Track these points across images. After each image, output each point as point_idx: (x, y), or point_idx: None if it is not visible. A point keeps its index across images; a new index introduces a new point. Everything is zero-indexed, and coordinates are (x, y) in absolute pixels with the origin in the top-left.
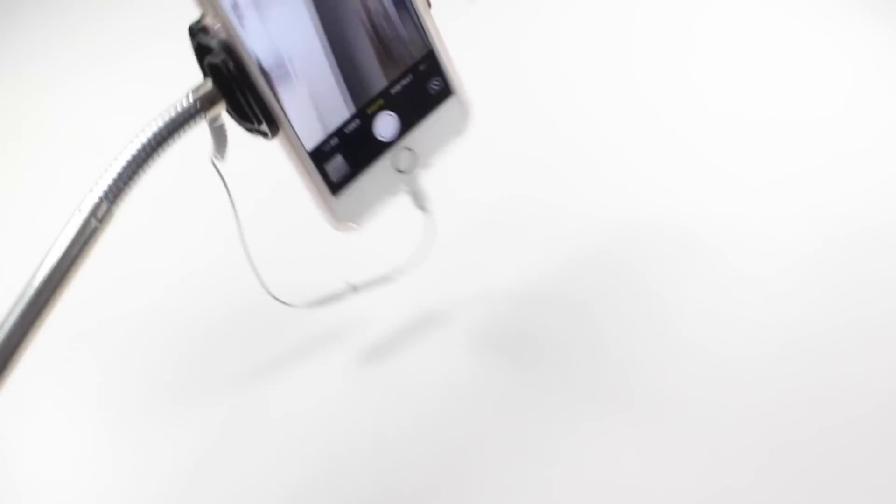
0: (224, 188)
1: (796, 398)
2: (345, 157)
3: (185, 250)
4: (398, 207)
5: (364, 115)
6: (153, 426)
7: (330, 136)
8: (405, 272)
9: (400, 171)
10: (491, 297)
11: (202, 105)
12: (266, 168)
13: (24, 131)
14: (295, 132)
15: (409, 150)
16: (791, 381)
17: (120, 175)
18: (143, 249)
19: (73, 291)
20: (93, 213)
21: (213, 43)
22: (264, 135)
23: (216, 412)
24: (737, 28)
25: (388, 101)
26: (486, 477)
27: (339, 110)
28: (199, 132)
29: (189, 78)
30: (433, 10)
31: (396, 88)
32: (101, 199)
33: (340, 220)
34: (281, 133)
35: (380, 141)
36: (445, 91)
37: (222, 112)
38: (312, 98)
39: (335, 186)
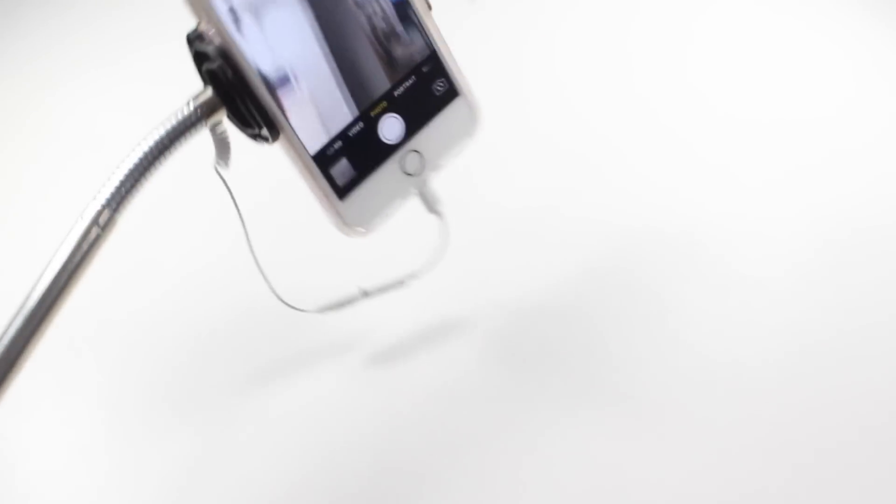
0: (229, 195)
1: (797, 400)
2: (350, 161)
3: (192, 252)
4: (410, 211)
5: (367, 118)
6: (154, 428)
7: (333, 140)
8: (418, 277)
9: (409, 175)
10: (498, 303)
11: (202, 113)
12: (272, 171)
13: (24, 131)
14: (297, 136)
15: (417, 152)
16: (792, 384)
17: (122, 183)
18: (148, 251)
19: (75, 292)
20: (95, 221)
21: (210, 49)
22: (266, 140)
23: (217, 414)
24: (737, 29)
25: (391, 103)
26: (494, 477)
27: (342, 113)
28: (204, 136)
29: (189, 78)
30: (435, 13)
31: (399, 90)
32: (103, 207)
33: (349, 224)
34: (282, 137)
35: (385, 144)
36: (451, 92)
37: (223, 119)
38: (313, 101)
39: (342, 190)
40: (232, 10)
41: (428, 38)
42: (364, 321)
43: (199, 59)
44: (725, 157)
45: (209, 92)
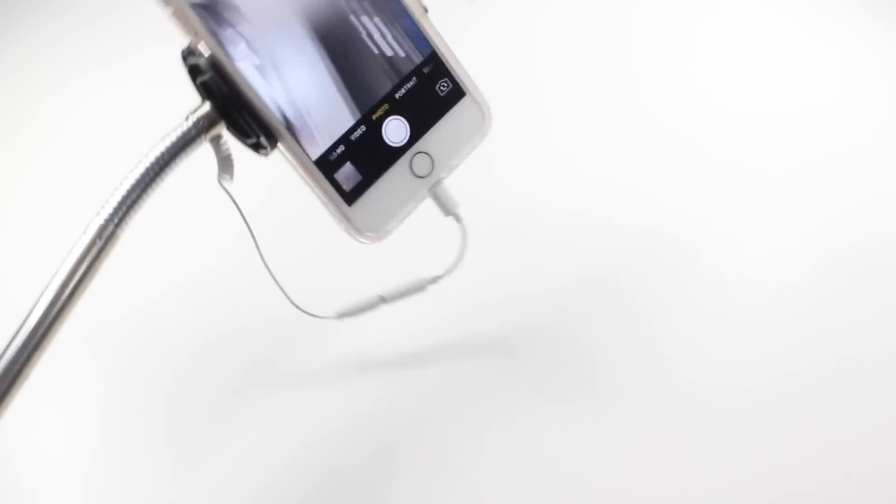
0: (236, 208)
1: (796, 401)
2: (355, 166)
3: (196, 256)
4: (425, 213)
5: (370, 122)
6: (153, 430)
7: (335, 145)
8: (438, 282)
9: (419, 177)
10: (501, 301)
11: (202, 127)
12: (277, 177)
13: (23, 131)
14: (296, 142)
15: (426, 154)
16: (789, 384)
17: (124, 199)
18: (152, 254)
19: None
20: (98, 235)
21: (201, 62)
22: (265, 149)
23: (218, 416)
24: (738, 28)
25: (393, 105)
26: (496, 476)
27: (342, 117)
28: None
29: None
30: (436, 13)
31: (401, 92)
32: (106, 222)
33: (360, 230)
34: (282, 145)
35: (391, 146)
36: (456, 92)
37: (223, 132)
38: (311, 106)
39: (349, 196)
40: (219, 21)
41: (426, 40)
42: (366, 323)
43: (194, 73)
44: (726, 154)
45: (206, 106)
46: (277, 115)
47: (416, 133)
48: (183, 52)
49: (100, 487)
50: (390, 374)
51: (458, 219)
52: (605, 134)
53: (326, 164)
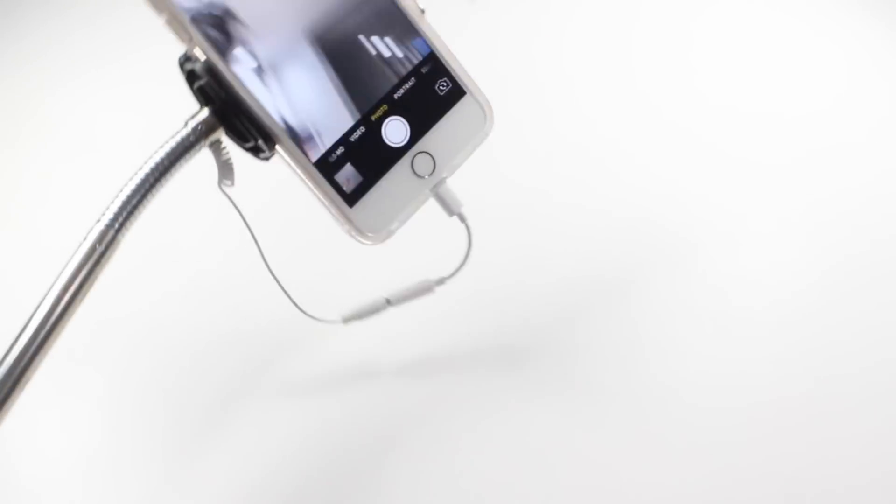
0: (238, 212)
1: (794, 402)
2: (355, 167)
3: (201, 260)
4: (428, 213)
5: (369, 122)
6: (153, 432)
7: (334, 146)
8: (444, 283)
9: (421, 177)
10: (496, 297)
11: (201, 132)
12: (279, 179)
13: (23, 131)
14: (295, 144)
15: (427, 154)
16: (787, 386)
17: (124, 205)
18: (155, 257)
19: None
20: (99, 241)
21: (198, 67)
22: (264, 152)
23: (219, 419)
24: (737, 26)
25: (392, 106)
26: (499, 478)
27: (341, 119)
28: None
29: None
30: (437, 13)
31: (400, 93)
32: (106, 228)
33: (362, 231)
34: (281, 148)
35: (391, 147)
36: (456, 92)
37: (222, 137)
38: (309, 108)
39: (350, 197)
40: (214, 26)
41: (424, 40)
42: (368, 325)
43: (191, 79)
44: (726, 152)
45: (205, 111)
46: (275, 118)
47: (417, 133)
48: (180, 58)
49: (99, 487)
50: (390, 374)
51: (462, 219)
52: (606, 133)
53: (326, 166)
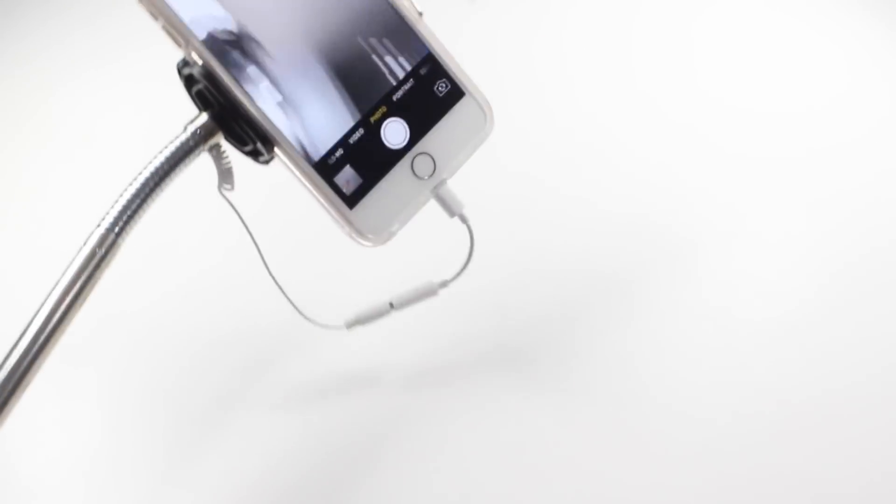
0: (238, 217)
1: (795, 409)
2: (355, 168)
3: (202, 263)
4: (428, 214)
5: (368, 124)
6: (153, 433)
7: (333, 148)
8: (447, 286)
9: (421, 179)
10: (493, 292)
11: (200, 137)
12: (279, 182)
13: (24, 131)
14: (294, 147)
15: (427, 155)
16: (784, 387)
17: (124, 209)
18: (157, 258)
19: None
20: (99, 245)
21: (195, 71)
22: (263, 155)
23: (219, 421)
24: (738, 26)
25: (391, 107)
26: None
27: (340, 121)
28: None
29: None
30: (437, 13)
31: (398, 94)
32: (107, 232)
33: (362, 233)
34: (280, 150)
35: (391, 149)
36: (455, 93)
37: (221, 141)
38: (307, 110)
39: (350, 199)
40: (211, 30)
41: (422, 42)
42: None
43: (189, 83)
44: (727, 152)
45: (203, 116)
46: (274, 121)
47: (416, 134)
48: (178, 63)
49: (99, 487)
50: (389, 374)
51: (463, 220)
52: (607, 133)
53: (326, 168)
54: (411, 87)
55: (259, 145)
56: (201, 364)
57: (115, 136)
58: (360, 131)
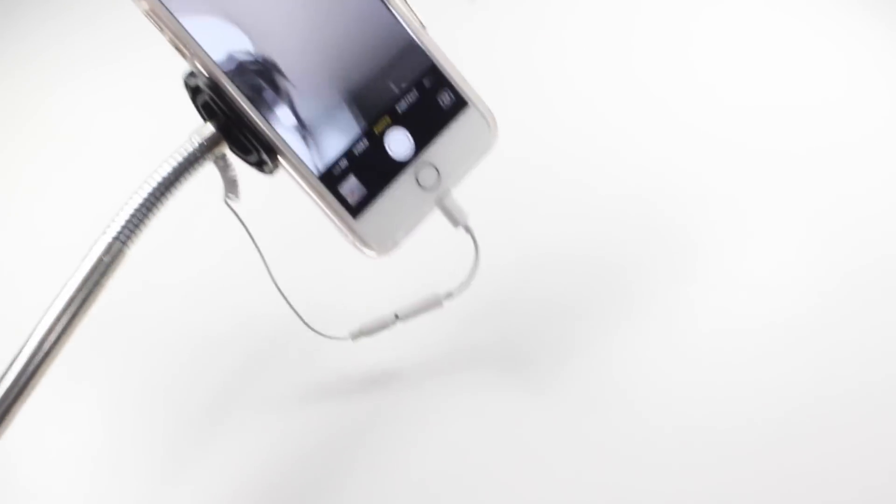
0: (243, 227)
1: (790, 399)
2: (359, 179)
3: (205, 266)
4: (434, 224)
5: (371, 135)
6: (152, 433)
7: (338, 159)
8: (454, 296)
9: (425, 189)
10: (510, 304)
11: (205, 147)
12: (284, 190)
13: (23, 131)
14: (299, 158)
15: (431, 165)
16: (781, 386)
17: (131, 217)
18: (159, 259)
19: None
20: (105, 252)
21: (201, 82)
22: (267, 165)
23: (218, 423)
24: (738, 25)
25: (395, 118)
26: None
27: (344, 131)
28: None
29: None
30: (436, 13)
31: (402, 105)
32: (113, 240)
33: (366, 242)
34: (284, 162)
35: (395, 159)
36: (459, 103)
37: (227, 152)
38: (311, 122)
39: (355, 209)
40: (216, 40)
41: (425, 53)
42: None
43: (194, 94)
44: (727, 149)
45: (209, 126)
46: (279, 132)
47: (420, 145)
48: (184, 74)
49: (99, 487)
50: (389, 375)
51: (468, 230)
52: (608, 132)
53: (330, 179)
54: (415, 99)
55: (264, 156)
56: (205, 369)
57: (116, 135)
58: (365, 142)
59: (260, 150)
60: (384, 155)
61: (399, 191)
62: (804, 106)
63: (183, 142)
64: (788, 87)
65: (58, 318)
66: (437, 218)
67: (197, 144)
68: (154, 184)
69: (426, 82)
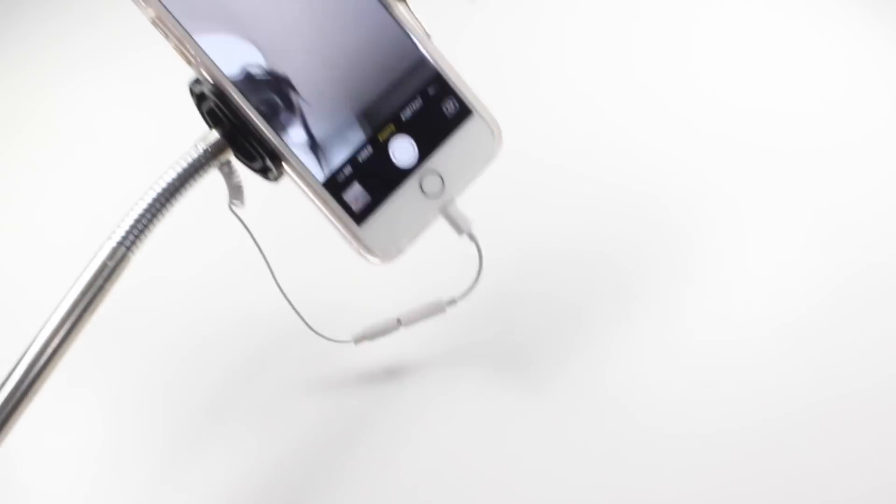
0: (248, 233)
1: (789, 402)
2: (363, 186)
3: (208, 271)
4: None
5: (376, 142)
6: (154, 433)
7: (342, 166)
8: (456, 303)
9: (429, 197)
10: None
11: (210, 154)
12: (289, 196)
13: (24, 131)
14: (303, 164)
15: (436, 173)
16: (778, 386)
17: (135, 223)
18: (161, 260)
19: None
20: (110, 257)
21: (206, 89)
22: (272, 171)
23: (219, 423)
24: (738, 25)
25: (399, 126)
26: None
27: (348, 139)
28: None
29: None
30: (436, 13)
31: (406, 113)
32: (118, 245)
33: (370, 249)
34: (289, 168)
35: (398, 167)
36: (463, 112)
37: (231, 158)
38: (316, 129)
39: (359, 216)
40: (222, 48)
41: (429, 62)
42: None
43: (200, 101)
44: (723, 146)
45: (214, 133)
46: (283, 139)
47: (424, 153)
48: (189, 81)
49: (98, 487)
50: (389, 375)
51: (472, 238)
52: (609, 132)
53: (334, 186)
54: (419, 107)
55: (268, 163)
56: (206, 369)
57: (116, 135)
58: (369, 149)
59: (265, 157)
60: (388, 162)
61: (403, 198)
62: (804, 106)
63: (188, 148)
64: (788, 86)
65: (61, 323)
66: (441, 223)
67: (202, 151)
68: (159, 190)
69: (431, 91)
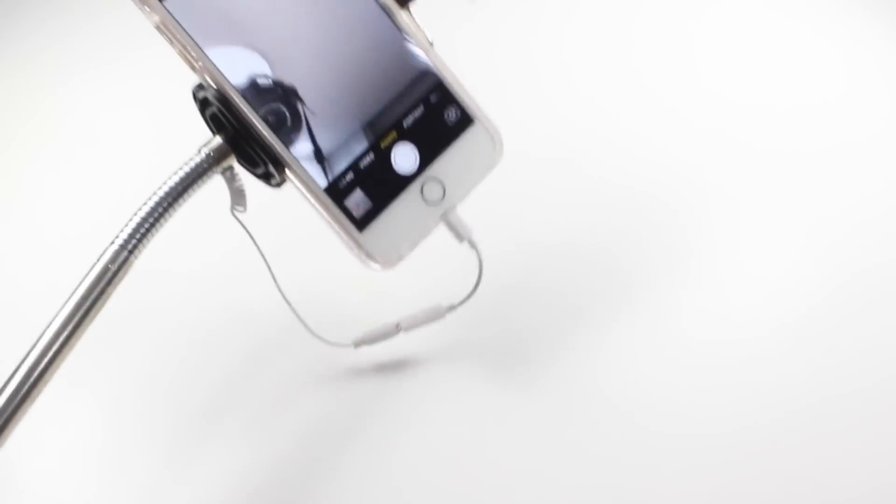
0: (250, 238)
1: (787, 403)
2: (365, 192)
3: (210, 273)
4: (444, 241)
5: (378, 149)
6: (152, 432)
7: (344, 172)
8: (455, 309)
9: (430, 204)
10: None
11: (213, 159)
12: (291, 201)
13: (24, 131)
14: (305, 170)
15: (437, 181)
16: (777, 384)
17: (138, 227)
18: (163, 261)
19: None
20: (112, 261)
21: (210, 95)
22: (274, 177)
23: (218, 424)
24: (738, 25)
25: (401, 133)
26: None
27: (351, 145)
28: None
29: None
30: (436, 13)
31: (409, 121)
32: (120, 248)
33: (371, 255)
34: (291, 174)
35: (400, 174)
36: (465, 120)
37: (234, 164)
38: (318, 135)
39: (360, 223)
40: (226, 54)
41: (432, 70)
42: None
43: (203, 106)
44: (723, 145)
45: (217, 139)
46: (286, 145)
47: (426, 160)
48: (193, 87)
49: (98, 486)
50: (388, 375)
51: (472, 245)
52: (609, 132)
53: (336, 192)
54: (421, 114)
55: (271, 168)
56: (205, 369)
57: (116, 135)
58: (371, 156)
59: (267, 163)
60: (390, 169)
61: (404, 205)
62: (804, 105)
63: (191, 153)
64: (788, 86)
65: (63, 326)
66: (442, 228)
67: (205, 156)
68: (162, 194)
69: (433, 99)
